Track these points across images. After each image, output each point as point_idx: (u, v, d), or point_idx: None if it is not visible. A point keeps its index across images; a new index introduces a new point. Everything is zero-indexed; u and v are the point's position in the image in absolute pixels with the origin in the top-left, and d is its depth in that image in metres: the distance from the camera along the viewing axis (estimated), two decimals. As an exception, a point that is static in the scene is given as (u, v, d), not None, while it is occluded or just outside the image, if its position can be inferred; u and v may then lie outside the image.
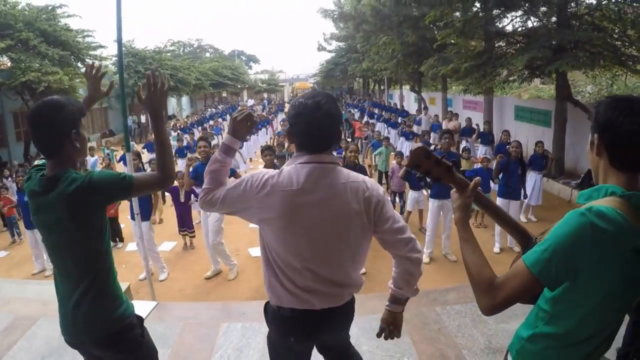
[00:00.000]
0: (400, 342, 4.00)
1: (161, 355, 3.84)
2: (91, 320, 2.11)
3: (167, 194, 9.90)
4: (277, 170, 2.00)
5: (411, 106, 27.53)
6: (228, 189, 2.03)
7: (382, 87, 37.09)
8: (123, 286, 4.93)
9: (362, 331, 4.04)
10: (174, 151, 15.63)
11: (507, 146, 8.35)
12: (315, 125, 1.94)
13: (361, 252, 2.12)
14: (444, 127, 15.19)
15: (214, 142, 16.66)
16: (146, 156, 13.97)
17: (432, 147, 10.61)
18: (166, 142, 2.12)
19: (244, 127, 2.12)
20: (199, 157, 6.95)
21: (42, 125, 1.98)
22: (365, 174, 7.35)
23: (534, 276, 1.44)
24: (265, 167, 6.64)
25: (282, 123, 21.51)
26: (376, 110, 23.97)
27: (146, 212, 7.04)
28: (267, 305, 2.22)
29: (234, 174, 7.00)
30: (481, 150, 12.62)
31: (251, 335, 4.21)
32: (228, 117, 29.30)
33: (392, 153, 10.59)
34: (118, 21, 4.89)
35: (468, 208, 1.73)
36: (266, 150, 6.91)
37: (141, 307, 4.76)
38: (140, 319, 2.30)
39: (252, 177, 2.01)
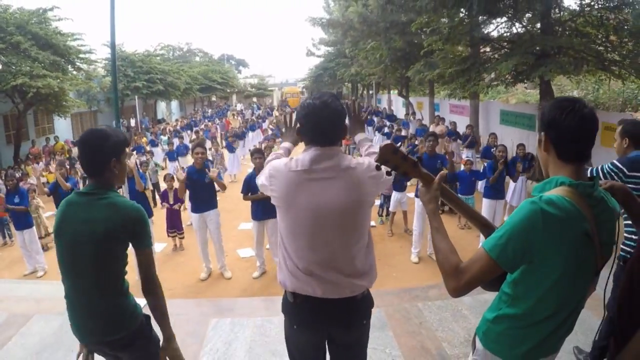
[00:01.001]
0: (382, 335, 4.18)
1: None
2: (108, 322, 2.28)
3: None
4: (282, 181, 2.16)
5: (399, 110, 27.73)
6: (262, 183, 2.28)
7: (370, 92, 37.30)
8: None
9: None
10: (164, 154, 15.83)
11: (493, 149, 8.53)
12: (324, 121, 2.14)
13: (364, 236, 2.20)
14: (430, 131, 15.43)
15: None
16: (134, 158, 14.01)
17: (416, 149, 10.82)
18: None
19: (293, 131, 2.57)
20: (195, 163, 6.88)
21: (88, 150, 2.24)
22: None
23: (492, 260, 1.61)
24: (255, 169, 6.79)
25: (273, 122, 21.67)
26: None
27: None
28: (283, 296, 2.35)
29: (221, 179, 7.19)
30: (465, 153, 12.83)
31: (239, 329, 4.36)
32: (217, 120, 29.39)
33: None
34: (112, 27, 5.01)
35: (437, 200, 1.87)
36: (256, 154, 7.00)
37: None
38: (148, 317, 2.46)
39: (268, 165, 2.26)
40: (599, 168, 3.50)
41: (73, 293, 2.31)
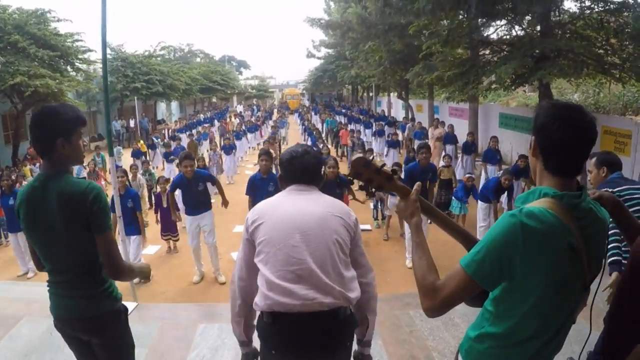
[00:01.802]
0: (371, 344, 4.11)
1: (139, 355, 3.93)
2: (83, 301, 2.29)
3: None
4: (261, 206, 2.30)
5: (399, 113, 27.71)
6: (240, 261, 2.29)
7: (370, 94, 37.29)
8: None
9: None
10: (161, 155, 15.78)
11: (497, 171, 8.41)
12: (305, 165, 2.38)
13: (343, 250, 2.18)
14: (429, 134, 15.34)
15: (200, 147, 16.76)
16: (130, 161, 14.01)
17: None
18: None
19: None
20: (185, 174, 6.72)
21: (36, 127, 2.18)
22: (348, 184, 7.44)
23: (469, 276, 1.50)
24: (260, 171, 6.66)
25: (272, 126, 21.66)
26: (361, 117, 24.14)
27: (134, 225, 7.06)
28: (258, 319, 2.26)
29: (212, 179, 7.10)
30: (463, 159, 12.76)
31: (227, 335, 4.28)
32: (216, 122, 29.33)
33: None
34: (103, 27, 4.94)
35: (418, 212, 1.78)
36: (263, 155, 6.72)
37: (121, 308, 4.85)
38: (126, 308, 2.49)
39: (244, 231, 2.27)
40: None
41: (52, 276, 2.33)
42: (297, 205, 2.24)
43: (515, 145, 13.59)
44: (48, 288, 2.36)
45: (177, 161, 12.93)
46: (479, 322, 1.72)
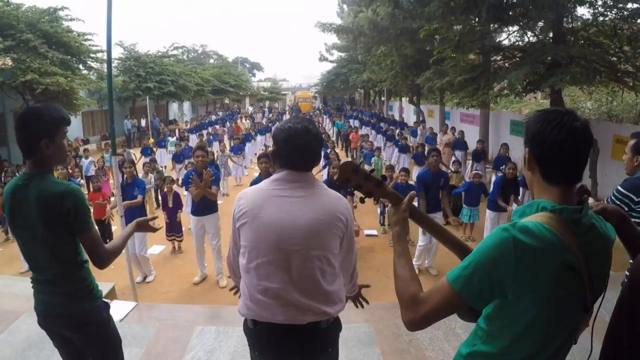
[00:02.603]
0: (370, 352, 4.06)
1: (134, 355, 3.96)
2: (63, 299, 2.32)
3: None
4: (250, 197, 2.14)
5: (410, 118, 27.65)
6: (232, 239, 2.24)
7: (382, 99, 37.27)
8: (108, 286, 5.06)
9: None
10: (171, 156, 15.85)
11: (502, 167, 8.39)
12: (304, 147, 2.12)
13: (330, 260, 2.12)
14: (438, 139, 15.25)
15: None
16: (141, 160, 14.07)
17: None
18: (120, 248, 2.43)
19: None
20: (196, 165, 6.80)
21: (20, 129, 2.20)
22: (352, 192, 7.39)
23: (455, 293, 1.41)
24: (260, 174, 6.67)
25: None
26: (373, 120, 24.12)
27: (141, 215, 7.06)
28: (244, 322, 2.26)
29: (218, 182, 7.07)
30: (473, 166, 12.66)
31: (223, 338, 4.26)
32: (228, 124, 29.42)
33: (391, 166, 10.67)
34: (108, 29, 4.96)
35: (405, 222, 1.71)
36: (262, 158, 6.83)
37: (120, 307, 4.84)
38: (107, 305, 2.50)
39: (232, 212, 2.18)
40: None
41: (34, 274, 2.37)
42: (284, 212, 2.05)
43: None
44: (32, 285, 2.39)
45: (186, 162, 13.04)
46: (472, 340, 1.63)
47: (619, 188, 3.25)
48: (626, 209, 3.19)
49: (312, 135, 2.14)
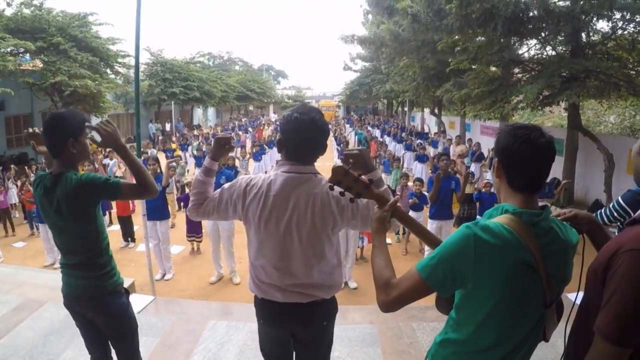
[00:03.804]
0: (371, 352, 4.23)
1: (150, 343, 4.23)
2: (87, 282, 2.59)
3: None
4: (260, 176, 2.33)
5: (432, 129, 27.64)
6: (220, 195, 2.36)
7: (405, 109, 37.27)
8: (128, 281, 5.35)
9: (337, 339, 4.24)
10: (193, 160, 16.26)
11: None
12: (310, 139, 2.23)
13: (326, 253, 2.32)
14: (451, 151, 15.29)
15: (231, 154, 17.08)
16: (163, 160, 14.50)
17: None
18: (134, 161, 2.53)
19: (223, 150, 2.48)
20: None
21: (48, 131, 2.51)
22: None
23: (422, 280, 1.58)
24: None
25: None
26: (394, 130, 24.21)
27: (163, 212, 7.45)
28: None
29: (229, 178, 7.32)
30: (488, 175, 12.70)
31: (234, 332, 4.49)
32: (251, 129, 29.82)
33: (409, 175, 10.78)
34: (137, 36, 5.22)
35: (384, 220, 1.89)
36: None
37: (139, 300, 5.11)
38: (127, 291, 2.78)
39: (238, 182, 2.35)
40: (602, 212, 3.29)
41: (64, 259, 2.65)
42: (286, 219, 2.22)
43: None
44: (61, 269, 2.67)
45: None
46: (445, 328, 1.82)
47: (620, 200, 3.26)
48: (621, 220, 3.19)
49: (318, 127, 2.20)
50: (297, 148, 2.24)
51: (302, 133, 2.20)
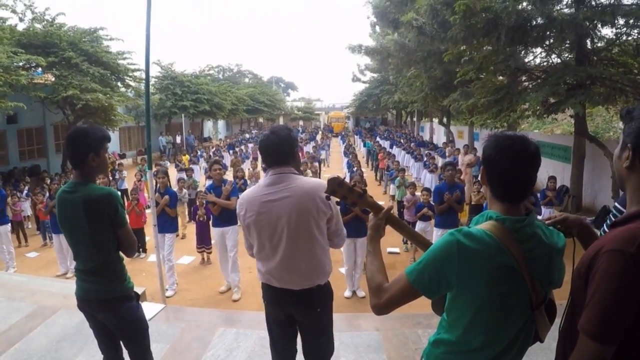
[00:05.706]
0: (376, 357, 4.31)
1: (160, 350, 4.34)
2: (100, 286, 2.76)
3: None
4: (244, 196, 2.81)
5: (441, 139, 27.68)
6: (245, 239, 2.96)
7: (414, 119, 37.32)
8: (139, 290, 5.52)
9: (343, 345, 4.40)
10: (202, 171, 16.46)
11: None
12: (266, 146, 2.72)
13: (314, 246, 2.72)
14: (459, 160, 15.30)
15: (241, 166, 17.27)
16: (175, 175, 14.71)
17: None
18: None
19: None
20: (213, 179, 7.45)
21: (70, 145, 2.69)
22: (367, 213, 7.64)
23: (410, 283, 1.67)
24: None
25: (313, 146, 22.11)
26: (403, 140, 24.31)
27: (171, 225, 7.65)
28: None
29: (236, 193, 7.40)
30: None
31: (242, 339, 4.59)
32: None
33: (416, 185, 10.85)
34: (147, 40, 5.31)
35: (379, 228, 2.00)
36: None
37: (149, 308, 5.22)
38: (137, 295, 2.95)
39: (240, 217, 2.82)
40: (610, 217, 3.25)
41: (79, 264, 2.82)
42: (273, 214, 2.64)
43: (551, 173, 13.41)
44: (75, 274, 2.85)
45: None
46: (438, 329, 1.90)
47: (617, 205, 3.26)
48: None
49: (276, 135, 2.68)
50: (261, 154, 2.77)
51: (262, 142, 2.75)
